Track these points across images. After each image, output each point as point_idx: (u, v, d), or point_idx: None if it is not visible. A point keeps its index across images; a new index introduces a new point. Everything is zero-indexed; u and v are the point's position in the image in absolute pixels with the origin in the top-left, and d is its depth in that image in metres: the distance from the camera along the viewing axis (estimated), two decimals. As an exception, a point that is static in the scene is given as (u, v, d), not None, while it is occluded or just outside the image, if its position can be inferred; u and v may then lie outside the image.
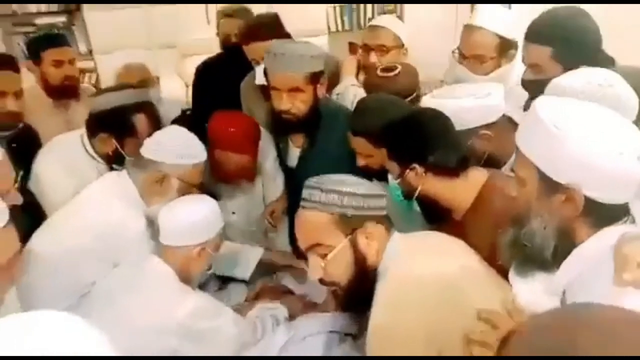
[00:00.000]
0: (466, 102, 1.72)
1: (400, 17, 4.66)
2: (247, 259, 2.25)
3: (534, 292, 1.23)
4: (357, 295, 1.46)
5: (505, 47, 2.19)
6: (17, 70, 2.36)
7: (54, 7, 4.47)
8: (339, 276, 1.45)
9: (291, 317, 2.02)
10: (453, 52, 2.28)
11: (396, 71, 2.17)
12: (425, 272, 1.37)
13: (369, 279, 1.43)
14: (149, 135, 1.99)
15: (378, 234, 1.44)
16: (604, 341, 0.64)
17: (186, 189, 1.91)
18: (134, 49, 3.10)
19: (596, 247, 1.09)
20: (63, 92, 2.65)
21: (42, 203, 2.09)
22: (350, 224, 1.42)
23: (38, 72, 2.64)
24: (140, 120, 2.06)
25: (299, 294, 2.24)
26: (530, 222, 1.17)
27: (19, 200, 1.53)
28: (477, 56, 2.18)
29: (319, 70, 2.07)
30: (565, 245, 1.14)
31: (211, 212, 1.80)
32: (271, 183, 2.41)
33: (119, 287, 1.73)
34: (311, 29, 4.38)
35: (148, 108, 2.11)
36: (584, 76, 1.43)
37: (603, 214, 1.09)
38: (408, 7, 4.65)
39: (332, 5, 4.72)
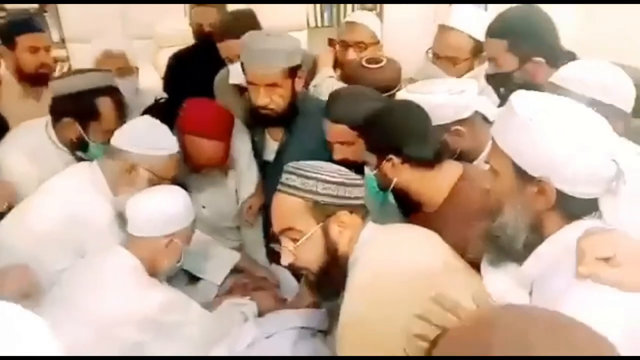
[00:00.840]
0: (440, 98, 1.71)
1: (379, 14, 4.68)
2: (221, 264, 2.24)
3: (504, 284, 1.24)
4: (328, 281, 1.46)
5: (479, 49, 2.18)
6: None
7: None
8: (309, 262, 1.46)
9: (262, 313, 2.01)
10: (427, 52, 2.28)
11: (382, 64, 2.16)
12: (403, 264, 1.36)
13: (340, 266, 1.44)
14: (114, 120, 1.97)
15: (351, 223, 1.44)
16: (516, 344, 0.65)
17: (156, 180, 1.88)
18: (114, 37, 3.02)
19: (562, 240, 1.12)
20: (36, 79, 2.57)
21: None
22: (323, 211, 1.42)
23: (10, 57, 2.55)
24: (104, 104, 2.02)
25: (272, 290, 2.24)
26: (502, 214, 1.19)
27: None
28: (450, 57, 2.18)
29: (296, 65, 2.04)
30: (535, 237, 1.16)
31: (181, 203, 1.77)
32: (245, 178, 2.38)
33: (82, 277, 1.70)
34: (291, 25, 4.38)
35: (112, 92, 2.07)
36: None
37: (572, 208, 1.12)
38: (387, 7, 4.66)
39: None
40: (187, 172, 2.19)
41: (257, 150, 2.35)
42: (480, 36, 2.12)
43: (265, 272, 2.31)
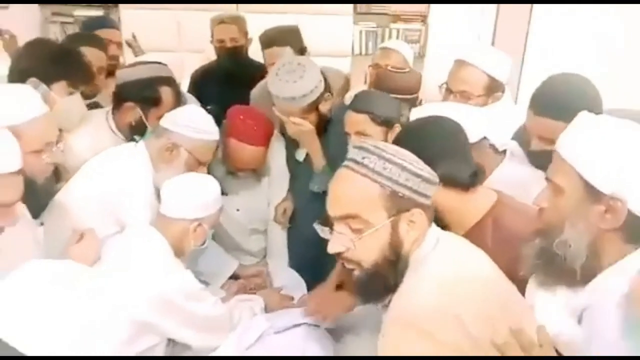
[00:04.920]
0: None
1: (423, 47, 4.81)
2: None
3: (553, 309, 1.21)
4: (378, 281, 1.30)
5: (493, 87, 2.18)
6: (104, 50, 2.64)
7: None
8: (365, 257, 1.29)
9: (268, 309, 2.09)
10: (440, 86, 2.26)
11: (406, 70, 2.37)
12: (475, 271, 1.29)
13: (397, 267, 1.29)
14: (172, 107, 2.12)
15: (420, 223, 1.30)
16: None
17: (193, 163, 2.01)
18: (166, 53, 3.27)
19: (625, 271, 1.08)
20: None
21: (62, 170, 2.16)
22: (399, 205, 1.26)
23: None
24: (166, 93, 2.20)
25: (277, 287, 2.34)
26: (564, 232, 1.14)
27: (59, 159, 1.69)
28: (463, 92, 2.15)
29: (317, 97, 2.15)
30: (595, 258, 1.12)
31: (212, 190, 1.86)
32: (277, 183, 2.50)
33: (112, 252, 1.77)
34: (336, 51, 4.55)
35: (172, 83, 2.25)
36: None
37: (636, 230, 1.09)
38: (432, 42, 4.78)
39: (359, 30, 4.89)
40: (224, 175, 2.31)
41: (290, 150, 2.44)
42: (495, 74, 2.15)
43: (256, 271, 2.43)
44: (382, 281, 1.30)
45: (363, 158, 1.27)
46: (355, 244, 1.27)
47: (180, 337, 1.77)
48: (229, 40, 3.16)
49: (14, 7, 4.24)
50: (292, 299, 2.23)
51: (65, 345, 1.01)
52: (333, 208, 1.31)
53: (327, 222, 1.34)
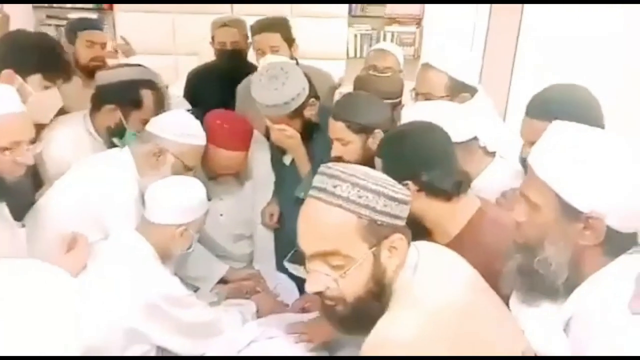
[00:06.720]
0: (436, 118, 1.66)
1: (417, 51, 4.82)
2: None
3: (538, 322, 1.18)
4: (362, 314, 1.20)
5: (456, 88, 2.13)
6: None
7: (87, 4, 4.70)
8: (349, 293, 1.19)
9: (261, 314, 2.07)
10: (410, 91, 2.28)
11: (387, 74, 2.41)
12: (462, 293, 1.20)
13: (381, 299, 1.20)
14: (153, 111, 2.11)
15: (402, 248, 1.21)
16: None
17: (180, 168, 1.99)
18: (160, 56, 3.28)
19: (607, 278, 1.07)
20: (90, 71, 2.84)
21: (42, 172, 2.19)
22: (378, 233, 1.17)
23: (72, 51, 2.89)
24: (147, 95, 2.18)
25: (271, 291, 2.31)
26: (544, 249, 1.12)
27: (30, 160, 1.65)
28: (425, 94, 2.15)
29: (301, 103, 2.14)
30: (576, 273, 1.10)
31: (197, 194, 1.83)
32: (262, 186, 2.48)
33: (98, 256, 1.75)
34: (331, 53, 4.57)
35: (154, 86, 2.23)
36: None
37: (617, 243, 1.07)
38: (426, 44, 4.80)
39: (354, 33, 4.90)
40: (205, 181, 2.24)
41: (276, 155, 2.42)
42: (457, 74, 2.12)
43: (247, 274, 2.40)
44: (367, 314, 1.19)
45: (335, 187, 1.15)
46: (337, 282, 1.17)
47: (167, 344, 1.76)
48: (230, 43, 3.21)
49: (7, 10, 4.24)
50: (287, 306, 2.20)
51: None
52: (307, 245, 1.18)
53: (300, 257, 1.23)
